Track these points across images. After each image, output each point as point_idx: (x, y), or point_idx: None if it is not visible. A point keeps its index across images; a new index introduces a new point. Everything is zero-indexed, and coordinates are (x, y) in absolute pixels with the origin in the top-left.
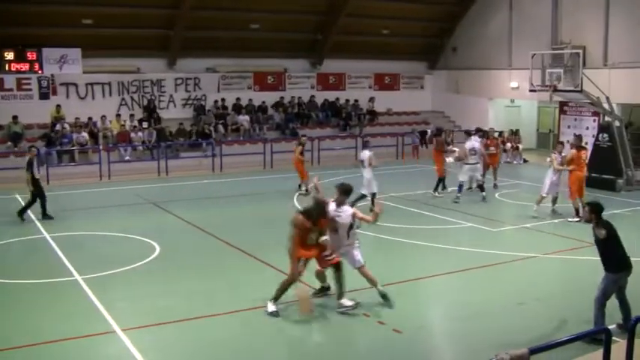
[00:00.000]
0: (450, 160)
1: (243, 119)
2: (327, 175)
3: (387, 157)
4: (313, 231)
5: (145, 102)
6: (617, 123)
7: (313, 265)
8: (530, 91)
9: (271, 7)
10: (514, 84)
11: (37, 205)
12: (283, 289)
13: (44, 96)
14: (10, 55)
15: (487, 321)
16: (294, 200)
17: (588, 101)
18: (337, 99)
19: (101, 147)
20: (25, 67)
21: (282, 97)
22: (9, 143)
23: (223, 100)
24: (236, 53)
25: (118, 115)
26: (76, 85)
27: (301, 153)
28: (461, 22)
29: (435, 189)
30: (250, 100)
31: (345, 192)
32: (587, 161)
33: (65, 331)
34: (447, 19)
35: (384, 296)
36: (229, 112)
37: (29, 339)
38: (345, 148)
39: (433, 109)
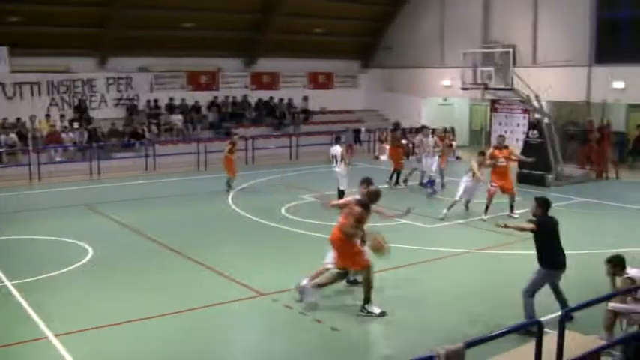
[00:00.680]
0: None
1: (177, 119)
2: (260, 175)
3: (321, 156)
4: (364, 222)
5: (76, 102)
6: (546, 120)
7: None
8: (463, 89)
9: (205, 6)
10: (447, 82)
11: None
12: (368, 285)
13: None
14: None
15: (424, 316)
16: (229, 200)
17: (518, 99)
18: (271, 98)
19: (31, 148)
20: None
21: (215, 97)
22: None
23: (156, 100)
24: (169, 52)
25: (48, 116)
26: (3, 84)
27: (230, 151)
28: (394, 22)
29: (390, 178)
30: (183, 99)
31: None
32: (515, 157)
33: None
34: (381, 19)
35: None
36: (162, 112)
37: None
38: (279, 147)
39: (367, 108)
